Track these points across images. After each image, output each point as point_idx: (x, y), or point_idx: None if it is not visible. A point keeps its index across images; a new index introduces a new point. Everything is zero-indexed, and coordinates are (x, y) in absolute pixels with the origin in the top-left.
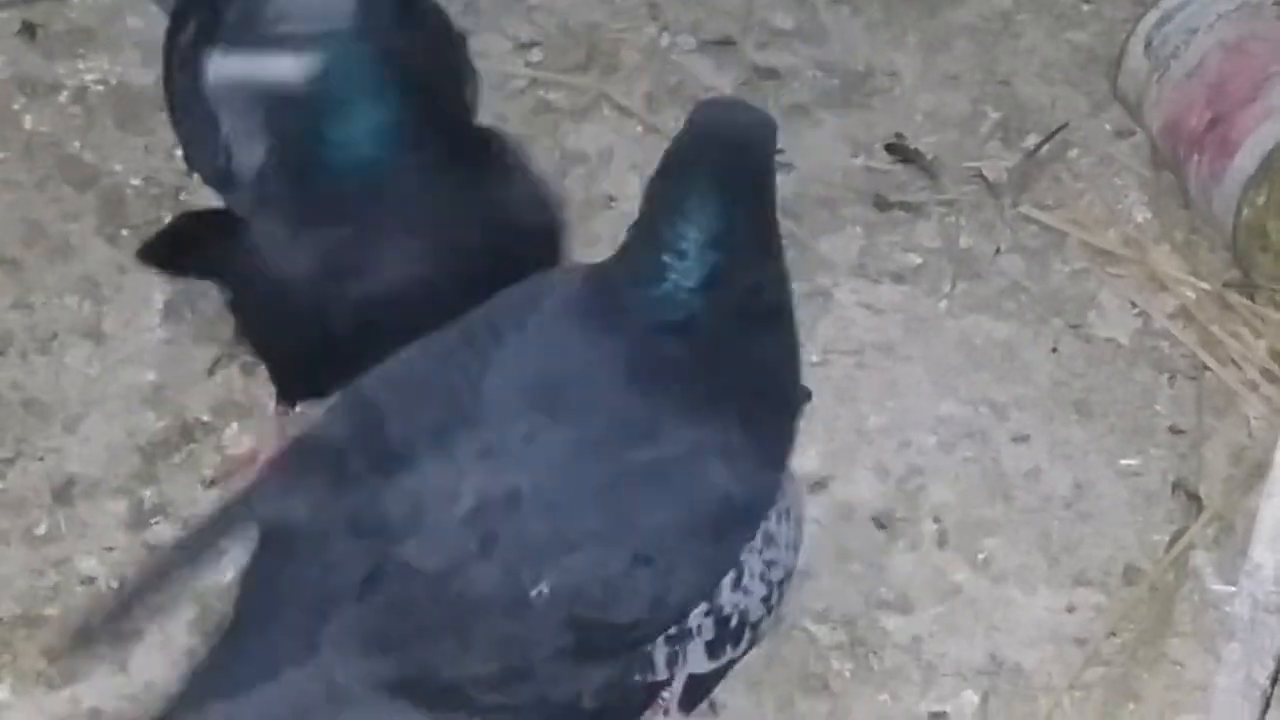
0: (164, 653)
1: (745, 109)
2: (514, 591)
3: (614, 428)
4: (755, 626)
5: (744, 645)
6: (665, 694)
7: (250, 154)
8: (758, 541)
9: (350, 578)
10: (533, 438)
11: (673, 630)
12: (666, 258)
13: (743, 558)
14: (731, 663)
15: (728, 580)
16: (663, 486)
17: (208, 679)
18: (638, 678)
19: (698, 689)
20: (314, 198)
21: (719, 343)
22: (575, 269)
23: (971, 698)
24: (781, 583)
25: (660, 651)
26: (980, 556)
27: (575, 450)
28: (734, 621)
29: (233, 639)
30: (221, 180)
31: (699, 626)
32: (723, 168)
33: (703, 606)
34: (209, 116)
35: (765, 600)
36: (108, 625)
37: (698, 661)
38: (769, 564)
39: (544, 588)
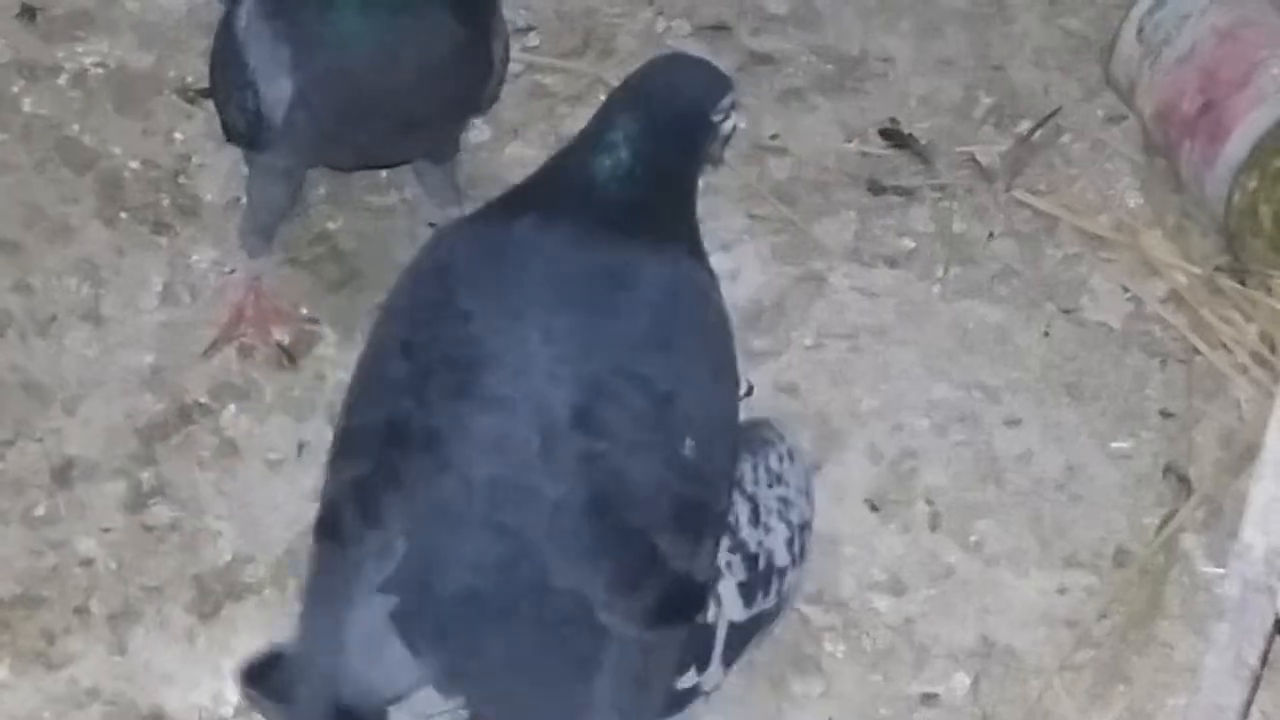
0: (162, 634)
1: (699, 64)
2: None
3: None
4: (783, 575)
5: (774, 598)
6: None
7: (278, 89)
8: (764, 475)
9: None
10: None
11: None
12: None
13: (751, 490)
14: (763, 618)
15: (745, 515)
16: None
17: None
18: None
19: (736, 641)
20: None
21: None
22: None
23: (963, 679)
24: (802, 529)
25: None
26: (972, 539)
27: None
28: (761, 562)
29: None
30: (254, 127)
31: (729, 564)
32: (657, 106)
33: (726, 542)
34: (241, 62)
35: (789, 545)
36: None
37: (733, 606)
38: (783, 501)
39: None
